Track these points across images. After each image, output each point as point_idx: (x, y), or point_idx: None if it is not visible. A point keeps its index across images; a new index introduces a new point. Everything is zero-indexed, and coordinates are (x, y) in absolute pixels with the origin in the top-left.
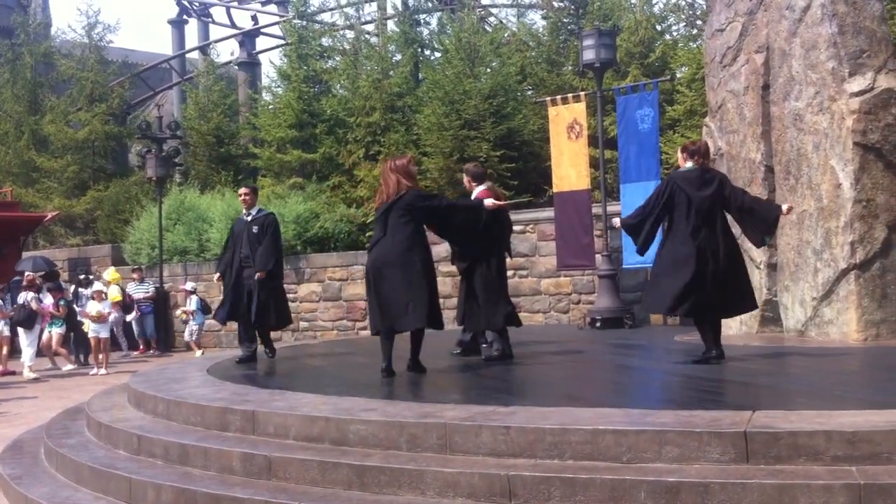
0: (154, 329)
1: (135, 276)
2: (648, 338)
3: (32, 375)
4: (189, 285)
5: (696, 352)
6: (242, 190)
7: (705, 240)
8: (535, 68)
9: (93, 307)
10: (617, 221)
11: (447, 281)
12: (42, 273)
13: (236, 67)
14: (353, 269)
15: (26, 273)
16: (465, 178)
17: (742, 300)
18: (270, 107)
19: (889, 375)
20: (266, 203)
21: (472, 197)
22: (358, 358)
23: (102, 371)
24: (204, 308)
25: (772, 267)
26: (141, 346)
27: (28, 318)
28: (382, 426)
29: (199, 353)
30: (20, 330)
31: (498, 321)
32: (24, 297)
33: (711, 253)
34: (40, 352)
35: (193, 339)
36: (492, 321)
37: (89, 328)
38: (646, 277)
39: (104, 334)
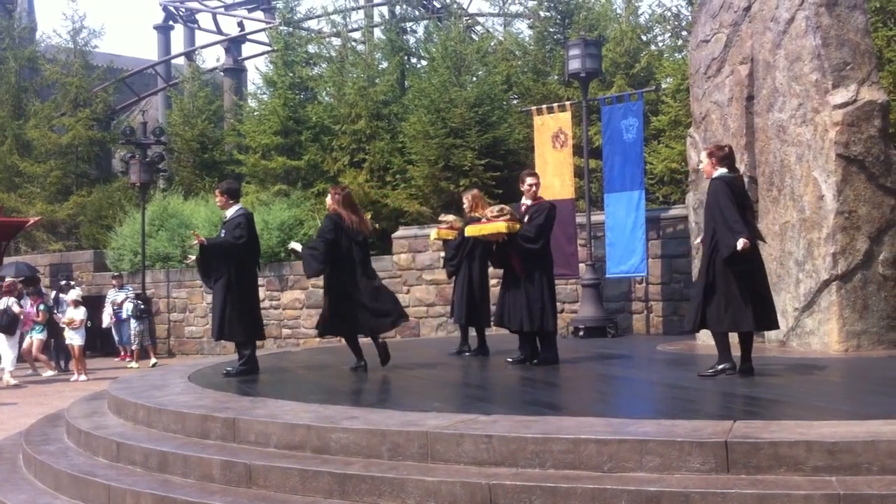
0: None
1: (114, 282)
2: (631, 347)
3: (13, 381)
4: (129, 290)
5: (679, 361)
6: (216, 191)
7: (755, 252)
8: (521, 77)
9: (69, 314)
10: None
11: (430, 289)
12: (22, 278)
13: (222, 74)
14: None
15: (7, 278)
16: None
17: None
18: (256, 113)
19: (870, 386)
20: (250, 209)
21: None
22: (341, 366)
23: (83, 377)
24: (136, 313)
25: None
26: (122, 353)
27: (9, 324)
28: (364, 434)
29: (133, 363)
30: (0, 336)
31: (551, 325)
32: (5, 302)
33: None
34: (21, 357)
35: (132, 346)
36: (547, 324)
37: (66, 335)
38: (629, 286)
39: (78, 341)
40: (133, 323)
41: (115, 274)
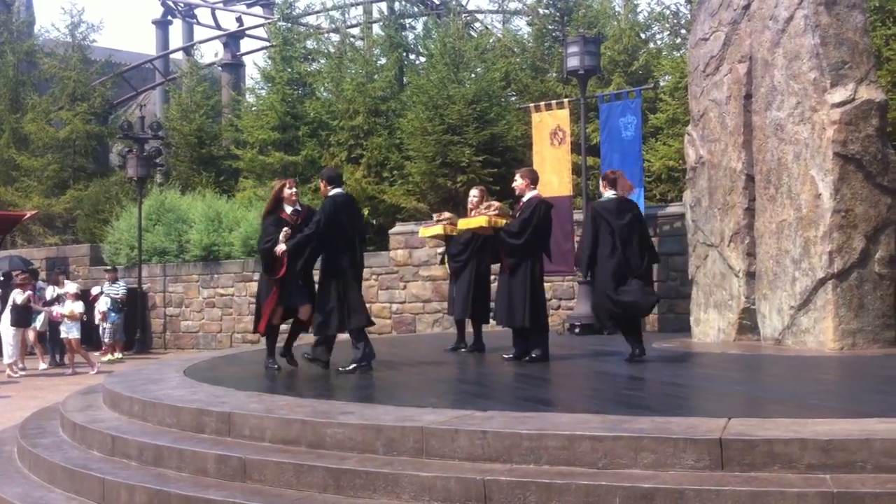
0: (122, 330)
1: (108, 276)
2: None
3: (15, 375)
4: (121, 285)
5: (674, 358)
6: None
7: (625, 258)
8: (520, 74)
9: (68, 306)
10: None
11: (427, 285)
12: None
13: (220, 69)
14: None
15: (17, 272)
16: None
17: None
18: (253, 108)
19: (864, 385)
20: (248, 205)
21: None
22: (336, 360)
23: (93, 371)
24: (115, 307)
25: (750, 275)
26: (103, 347)
27: (24, 318)
28: (359, 429)
29: (105, 357)
30: (6, 329)
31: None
32: (15, 295)
33: (630, 268)
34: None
35: (106, 339)
36: (528, 321)
37: (62, 328)
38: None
39: (74, 335)
40: (110, 317)
41: (108, 268)
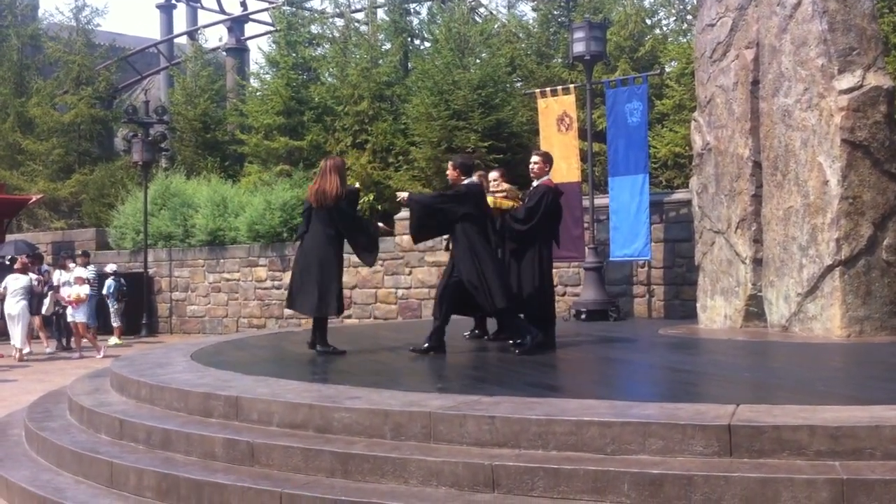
0: (94, 316)
1: (78, 260)
2: (633, 330)
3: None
4: (109, 267)
5: (681, 344)
6: (449, 164)
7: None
8: (525, 60)
9: (75, 290)
10: None
11: (432, 271)
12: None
13: (224, 53)
14: None
15: (21, 257)
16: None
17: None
18: (258, 93)
19: (872, 372)
20: (253, 189)
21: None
22: (342, 345)
23: (99, 355)
24: (116, 293)
25: (757, 262)
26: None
27: (39, 304)
28: (367, 414)
29: (111, 340)
30: (17, 313)
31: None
32: (24, 281)
33: None
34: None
35: (114, 323)
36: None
37: (69, 312)
38: (632, 270)
39: (79, 318)
40: (111, 302)
41: (78, 253)
